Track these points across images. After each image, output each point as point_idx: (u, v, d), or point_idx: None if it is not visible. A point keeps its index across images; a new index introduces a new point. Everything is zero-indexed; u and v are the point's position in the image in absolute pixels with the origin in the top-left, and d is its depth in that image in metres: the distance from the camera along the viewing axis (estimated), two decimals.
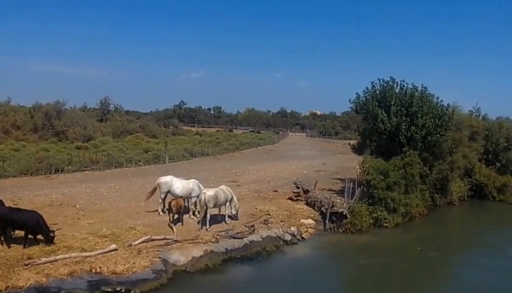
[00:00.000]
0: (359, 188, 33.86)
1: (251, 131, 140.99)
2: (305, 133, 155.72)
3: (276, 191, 36.54)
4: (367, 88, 38.03)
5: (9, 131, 68.02)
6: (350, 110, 43.54)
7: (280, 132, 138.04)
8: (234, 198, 27.00)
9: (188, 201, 27.02)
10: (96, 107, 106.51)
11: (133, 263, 19.59)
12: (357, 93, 38.57)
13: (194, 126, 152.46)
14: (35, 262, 18.73)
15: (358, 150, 41.66)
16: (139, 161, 54.91)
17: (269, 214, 29.12)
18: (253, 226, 26.25)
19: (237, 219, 26.92)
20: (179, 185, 26.89)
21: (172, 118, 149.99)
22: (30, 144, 59.61)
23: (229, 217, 26.70)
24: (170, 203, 25.35)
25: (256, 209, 30.11)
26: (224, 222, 26.26)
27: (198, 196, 25.97)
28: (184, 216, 25.91)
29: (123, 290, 18.34)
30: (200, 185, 27.24)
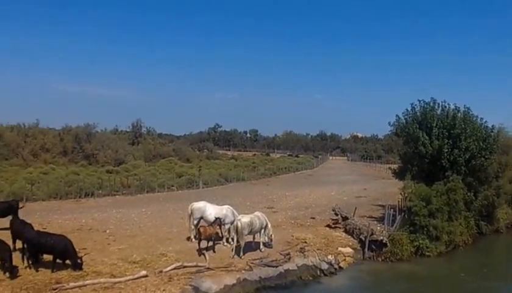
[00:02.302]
0: (400, 215, 33.71)
1: (289, 155, 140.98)
2: (346, 157, 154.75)
3: (313, 218, 36.61)
4: (407, 109, 38.04)
5: (38, 154, 69.59)
6: (390, 132, 43.36)
7: (319, 156, 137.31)
8: (269, 225, 27.16)
9: (221, 228, 27.26)
10: (128, 130, 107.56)
11: (164, 290, 19.95)
12: (397, 115, 38.63)
13: (229, 150, 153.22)
14: (63, 286, 19.29)
15: (399, 175, 41.40)
16: (172, 186, 55.54)
17: (305, 242, 29.15)
18: (288, 254, 26.37)
19: (271, 247, 27.07)
20: (212, 211, 27.19)
21: (206, 141, 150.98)
22: (59, 167, 60.95)
23: (263, 244, 26.86)
24: (199, 229, 25.66)
25: (293, 236, 30.21)
26: (258, 250, 26.42)
27: (232, 223, 26.32)
28: (218, 243, 26.23)
29: None
30: (235, 212, 27.53)
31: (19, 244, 22.46)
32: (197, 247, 25.11)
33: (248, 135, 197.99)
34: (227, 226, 26.97)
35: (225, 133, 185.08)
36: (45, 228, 26.25)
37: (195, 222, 27.19)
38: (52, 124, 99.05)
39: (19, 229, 22.73)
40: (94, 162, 70.40)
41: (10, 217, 26.42)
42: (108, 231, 28.92)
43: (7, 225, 24.99)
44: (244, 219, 25.42)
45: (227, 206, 28.10)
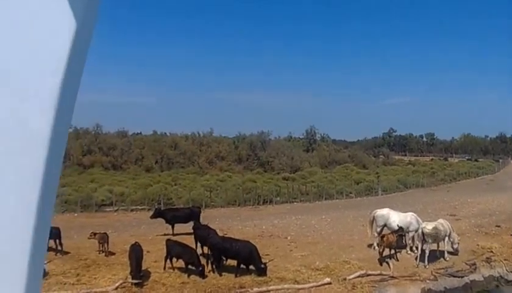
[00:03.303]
0: None
1: (467, 159, 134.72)
2: None
3: (499, 226, 34.73)
4: None
5: (213, 162, 73.35)
6: None
7: (500, 160, 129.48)
8: (453, 233, 26.48)
9: (404, 236, 26.88)
10: (301, 137, 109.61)
11: None
12: None
13: (405, 155, 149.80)
14: (247, 291, 20.13)
15: None
16: (350, 193, 55.69)
17: (491, 252, 27.95)
18: (474, 264, 25.63)
19: (457, 254, 26.42)
20: (396, 218, 27.06)
21: (381, 146, 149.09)
22: (235, 175, 63.67)
23: (449, 252, 26.22)
24: (382, 237, 25.56)
25: (478, 245, 29.06)
26: (442, 258, 25.86)
27: (416, 231, 26.07)
28: (399, 251, 26.07)
29: None
30: (419, 219, 27.16)
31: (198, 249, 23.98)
32: (379, 255, 25.17)
33: (424, 139, 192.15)
34: (410, 234, 26.75)
35: (400, 138, 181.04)
36: (226, 234, 27.52)
37: (378, 229, 27.19)
38: (225, 133, 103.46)
39: (203, 234, 24.13)
40: (269, 169, 72.48)
41: (191, 223, 28.19)
42: (289, 238, 29.77)
43: (188, 231, 26.71)
44: (429, 226, 25.16)
45: (411, 213, 27.89)
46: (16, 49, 1.32)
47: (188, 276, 21.96)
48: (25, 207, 1.23)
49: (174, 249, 22.79)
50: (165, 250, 23.03)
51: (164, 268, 22.73)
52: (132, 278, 20.91)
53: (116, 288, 20.49)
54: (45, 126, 1.29)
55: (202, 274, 21.79)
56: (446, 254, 26.04)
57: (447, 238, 26.05)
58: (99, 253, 25.15)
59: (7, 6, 1.33)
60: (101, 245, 25.21)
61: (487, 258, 26.79)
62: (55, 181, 1.33)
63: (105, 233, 25.87)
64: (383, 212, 27.57)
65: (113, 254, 25.03)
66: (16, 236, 1.21)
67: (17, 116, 1.29)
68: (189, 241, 24.86)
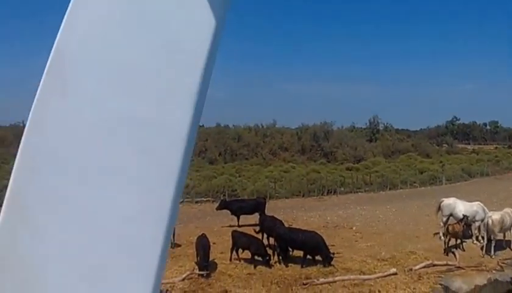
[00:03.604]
0: None
1: None
2: None
3: None
4: None
5: (276, 153, 73.64)
6: None
7: None
8: None
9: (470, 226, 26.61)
10: (364, 127, 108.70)
11: (414, 288, 20.40)
12: None
13: (468, 144, 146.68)
14: (313, 282, 20.37)
15: None
16: (414, 182, 55.09)
17: None
18: None
19: None
20: (462, 208, 26.78)
21: (445, 135, 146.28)
22: (298, 165, 63.75)
23: None
24: (447, 227, 25.42)
25: None
26: (509, 248, 25.48)
27: (482, 220, 25.79)
28: (465, 241, 25.85)
29: None
30: (485, 208, 26.85)
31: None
32: (445, 245, 25.11)
33: (487, 127, 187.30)
34: (477, 224, 26.49)
35: (464, 126, 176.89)
36: (291, 225, 27.77)
37: (444, 219, 26.98)
38: (288, 124, 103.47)
39: (270, 225, 24.44)
40: (332, 160, 72.27)
41: (256, 214, 28.60)
42: (354, 228, 29.88)
43: (253, 222, 27.14)
44: (495, 216, 24.92)
45: (477, 203, 27.60)
46: (156, 49, 1.39)
47: (254, 267, 22.32)
48: (163, 203, 1.36)
49: (240, 240, 23.13)
50: (231, 241, 23.41)
51: (230, 259, 23.14)
52: (199, 269, 21.36)
53: (183, 279, 20.97)
54: (184, 124, 1.38)
55: (268, 264, 22.14)
56: None
57: None
58: None
59: (146, 7, 1.40)
60: None
61: None
62: (185, 178, 1.42)
63: None
64: (449, 202, 27.34)
65: (179, 246, 25.50)
66: (151, 230, 1.34)
67: (158, 115, 1.36)
68: (254, 232, 25.27)
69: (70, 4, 1.38)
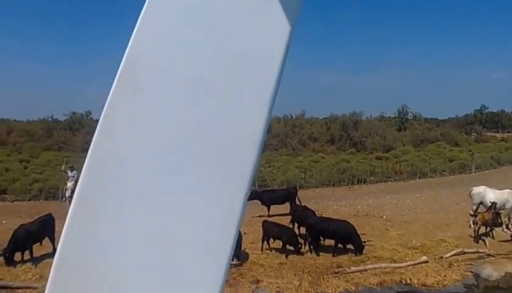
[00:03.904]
0: None
1: None
2: None
3: None
4: None
5: (306, 143, 73.62)
6: None
7: None
8: None
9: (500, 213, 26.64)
10: (393, 116, 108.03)
11: (444, 276, 20.60)
12: None
13: (497, 132, 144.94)
14: (345, 270, 20.64)
15: None
16: (444, 171, 55.07)
17: None
18: None
19: None
20: (492, 196, 26.86)
21: (473, 124, 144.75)
22: (328, 155, 63.81)
23: None
24: (477, 215, 25.55)
25: None
26: None
27: None
28: (497, 229, 25.95)
29: None
30: None
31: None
32: (475, 233, 25.18)
33: None
34: (507, 211, 26.54)
35: (492, 115, 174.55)
36: (321, 214, 27.95)
37: (474, 207, 27.12)
38: (317, 114, 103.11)
39: (301, 215, 24.74)
40: (362, 149, 72.08)
41: (287, 204, 28.94)
42: (384, 217, 30.04)
43: (283, 212, 27.45)
44: None
45: (507, 190, 27.53)
46: (230, 53, 1.38)
47: (286, 256, 22.58)
48: (235, 206, 1.35)
49: (272, 230, 23.33)
50: (262, 232, 23.58)
51: (262, 249, 23.30)
52: (231, 259, 21.60)
53: None
54: (258, 127, 1.37)
55: (300, 253, 22.44)
56: None
57: None
58: None
59: (220, 9, 1.39)
60: None
61: None
62: (252, 181, 1.39)
63: None
64: (480, 190, 27.45)
65: None
66: (224, 232, 1.36)
67: (234, 118, 1.36)
68: (285, 222, 25.52)
69: (143, 8, 1.38)
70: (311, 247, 23.15)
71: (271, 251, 23.33)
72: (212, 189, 1.34)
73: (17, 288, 18.87)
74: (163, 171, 1.33)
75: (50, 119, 76.34)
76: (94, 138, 1.34)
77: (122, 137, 1.34)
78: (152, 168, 1.33)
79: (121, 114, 1.34)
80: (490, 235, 25.17)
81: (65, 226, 1.31)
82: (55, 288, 1.29)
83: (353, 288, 20.00)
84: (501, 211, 26.43)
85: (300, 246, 22.74)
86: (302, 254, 22.52)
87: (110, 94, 1.35)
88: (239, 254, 21.61)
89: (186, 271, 1.30)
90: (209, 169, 1.34)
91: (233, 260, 18.64)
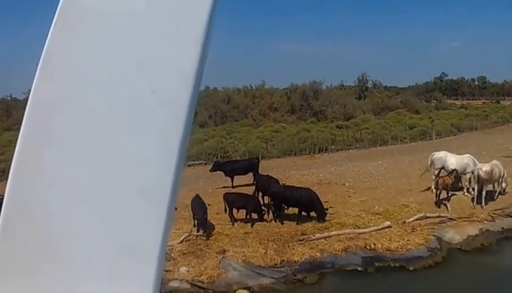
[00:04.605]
0: None
1: None
2: None
3: None
4: None
5: (266, 113, 73.55)
6: None
7: None
8: (505, 174, 26.57)
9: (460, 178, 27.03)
10: (353, 85, 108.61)
11: (408, 240, 20.97)
12: None
13: (457, 99, 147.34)
14: (309, 237, 20.77)
15: None
16: (404, 138, 55.65)
17: None
18: None
19: (504, 195, 26.54)
20: (453, 160, 27.29)
21: (433, 91, 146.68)
22: (289, 125, 63.95)
23: (499, 193, 26.50)
24: (437, 181, 25.82)
25: None
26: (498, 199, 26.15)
27: (472, 172, 26.21)
28: (454, 194, 26.32)
29: (396, 267, 19.69)
30: (475, 161, 27.34)
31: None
32: (436, 198, 25.54)
33: (476, 82, 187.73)
34: (467, 176, 26.95)
35: (452, 82, 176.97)
36: (284, 183, 27.94)
37: (435, 172, 27.41)
38: (277, 84, 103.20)
39: (265, 184, 24.70)
40: (322, 118, 72.38)
41: (250, 175, 28.88)
42: (347, 184, 30.23)
43: (246, 182, 27.40)
44: (485, 168, 25.39)
45: (467, 155, 28.15)
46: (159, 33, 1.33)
47: (251, 225, 22.64)
48: (173, 145, 1.36)
49: (236, 201, 23.28)
50: (225, 204, 23.38)
51: (233, 223, 23.05)
52: (197, 231, 21.56)
53: (181, 241, 21.19)
54: (183, 103, 1.38)
55: (264, 219, 22.54)
56: (496, 195, 26.36)
57: (501, 179, 26.27)
58: None
59: None
60: None
61: None
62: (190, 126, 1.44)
63: None
64: (441, 155, 27.84)
65: (175, 209, 25.49)
66: (163, 172, 1.38)
67: (157, 96, 1.33)
68: (248, 192, 25.50)
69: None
70: (275, 215, 23.16)
71: (236, 221, 23.26)
72: (151, 131, 1.33)
73: None
74: (103, 113, 1.32)
75: (9, 98, 74.58)
76: (34, 82, 1.33)
77: (61, 80, 1.32)
78: (90, 111, 1.31)
79: (59, 58, 1.32)
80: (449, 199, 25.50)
81: (11, 169, 1.31)
82: (5, 225, 1.29)
83: (318, 255, 20.18)
84: (463, 175, 26.84)
85: (264, 213, 22.79)
86: (267, 221, 22.52)
87: (47, 39, 1.32)
88: (205, 226, 21.57)
89: (127, 211, 1.30)
90: (146, 111, 1.32)
91: (198, 231, 18.72)
